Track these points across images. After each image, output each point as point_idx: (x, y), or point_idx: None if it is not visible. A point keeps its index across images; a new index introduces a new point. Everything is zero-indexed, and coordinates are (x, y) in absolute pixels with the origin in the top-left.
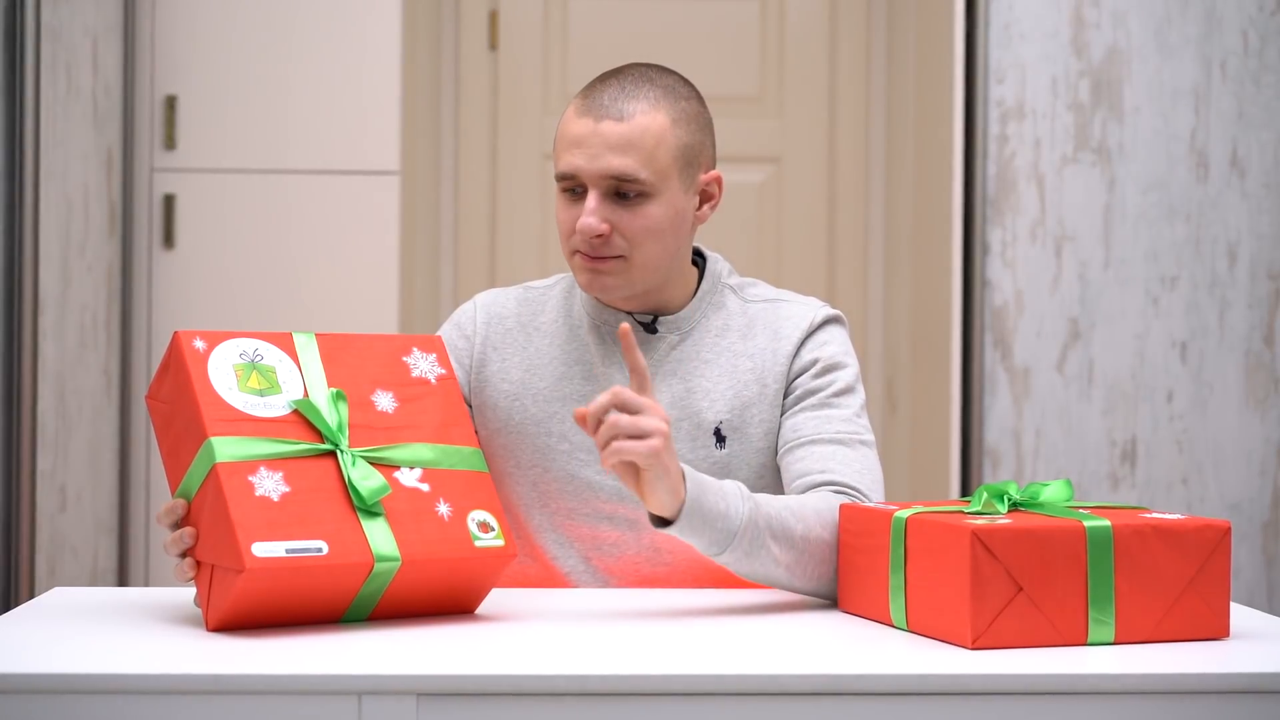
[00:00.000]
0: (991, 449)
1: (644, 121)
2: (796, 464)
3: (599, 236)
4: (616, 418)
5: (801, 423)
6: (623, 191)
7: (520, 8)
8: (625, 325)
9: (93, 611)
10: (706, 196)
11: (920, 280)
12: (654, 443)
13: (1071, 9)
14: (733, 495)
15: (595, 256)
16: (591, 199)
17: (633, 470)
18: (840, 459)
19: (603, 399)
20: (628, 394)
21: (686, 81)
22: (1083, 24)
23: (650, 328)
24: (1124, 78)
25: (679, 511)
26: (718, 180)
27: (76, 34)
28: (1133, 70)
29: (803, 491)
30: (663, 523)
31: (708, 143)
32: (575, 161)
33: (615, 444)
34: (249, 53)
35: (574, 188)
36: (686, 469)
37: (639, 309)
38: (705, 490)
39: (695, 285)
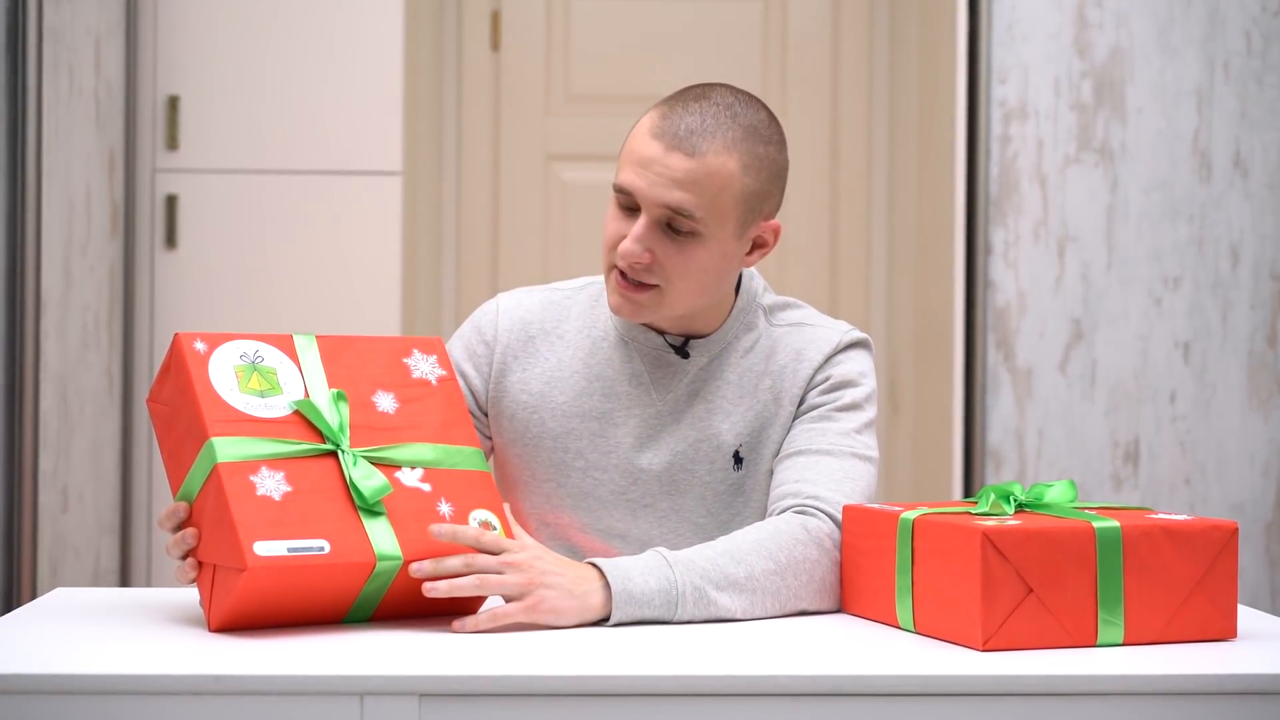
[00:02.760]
0: (994, 450)
1: (714, 163)
2: (777, 474)
3: (639, 263)
4: (482, 560)
5: (797, 435)
6: (674, 225)
7: (522, 8)
8: (423, 577)
9: (95, 612)
10: (760, 244)
11: (923, 280)
12: (527, 593)
13: (1074, 9)
14: (658, 567)
15: (631, 283)
16: (641, 225)
17: (526, 603)
18: (818, 469)
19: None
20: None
21: (773, 120)
22: (1085, 24)
23: (682, 351)
24: (1126, 78)
25: (609, 608)
26: (775, 230)
27: (79, 34)
28: (1135, 70)
29: (773, 503)
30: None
31: (775, 192)
32: (636, 182)
33: (484, 579)
34: (251, 53)
35: (628, 204)
36: (598, 561)
37: (672, 330)
38: (630, 576)
39: (730, 303)
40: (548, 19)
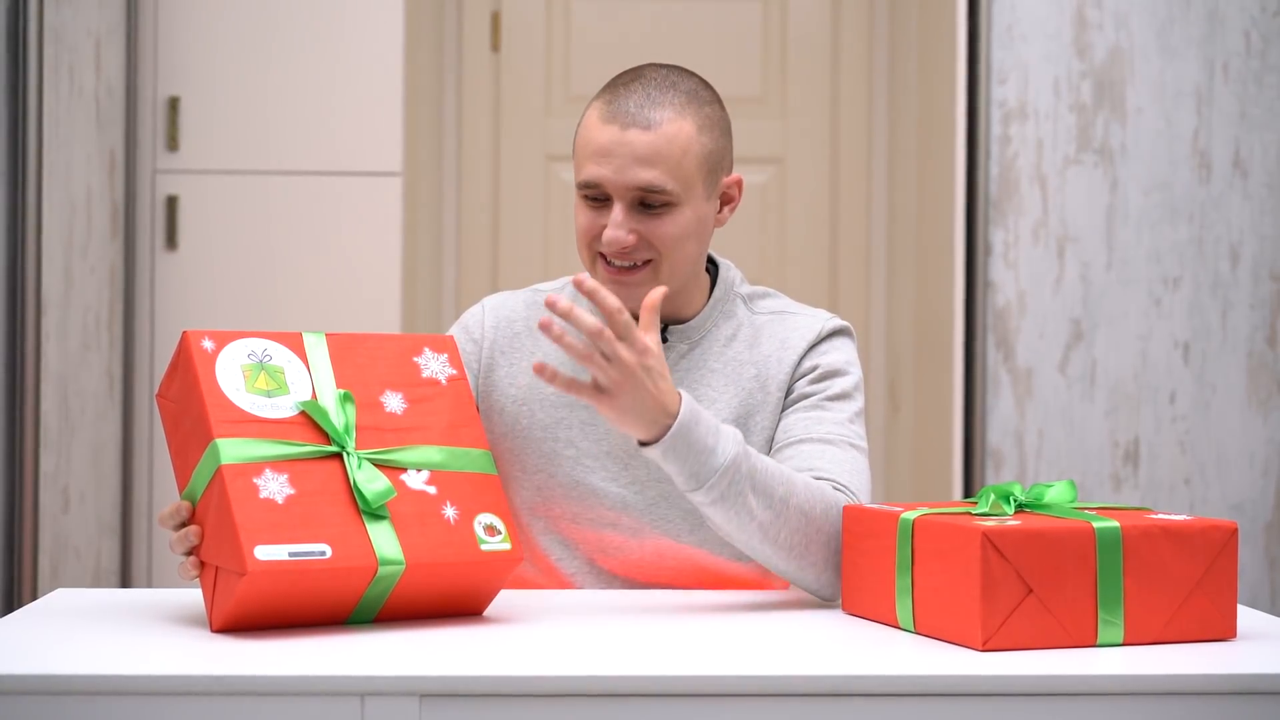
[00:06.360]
0: (994, 450)
1: (670, 130)
2: (785, 463)
3: (626, 246)
4: (608, 340)
5: (793, 423)
6: (648, 203)
7: (522, 9)
8: (580, 280)
9: (95, 612)
10: (727, 199)
11: (923, 281)
12: (613, 373)
13: (1074, 10)
14: (726, 437)
15: (621, 269)
16: (617, 211)
17: (601, 393)
18: (828, 457)
19: (591, 324)
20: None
21: (707, 84)
22: (1085, 25)
23: (661, 337)
24: (1126, 78)
25: (664, 433)
26: (738, 183)
27: (79, 35)
28: (1135, 71)
29: None
30: (648, 443)
31: (728, 146)
32: (600, 172)
33: (593, 355)
34: (251, 54)
35: (597, 195)
36: (688, 398)
37: None
38: (699, 423)
39: (708, 292)
40: (548, 19)
